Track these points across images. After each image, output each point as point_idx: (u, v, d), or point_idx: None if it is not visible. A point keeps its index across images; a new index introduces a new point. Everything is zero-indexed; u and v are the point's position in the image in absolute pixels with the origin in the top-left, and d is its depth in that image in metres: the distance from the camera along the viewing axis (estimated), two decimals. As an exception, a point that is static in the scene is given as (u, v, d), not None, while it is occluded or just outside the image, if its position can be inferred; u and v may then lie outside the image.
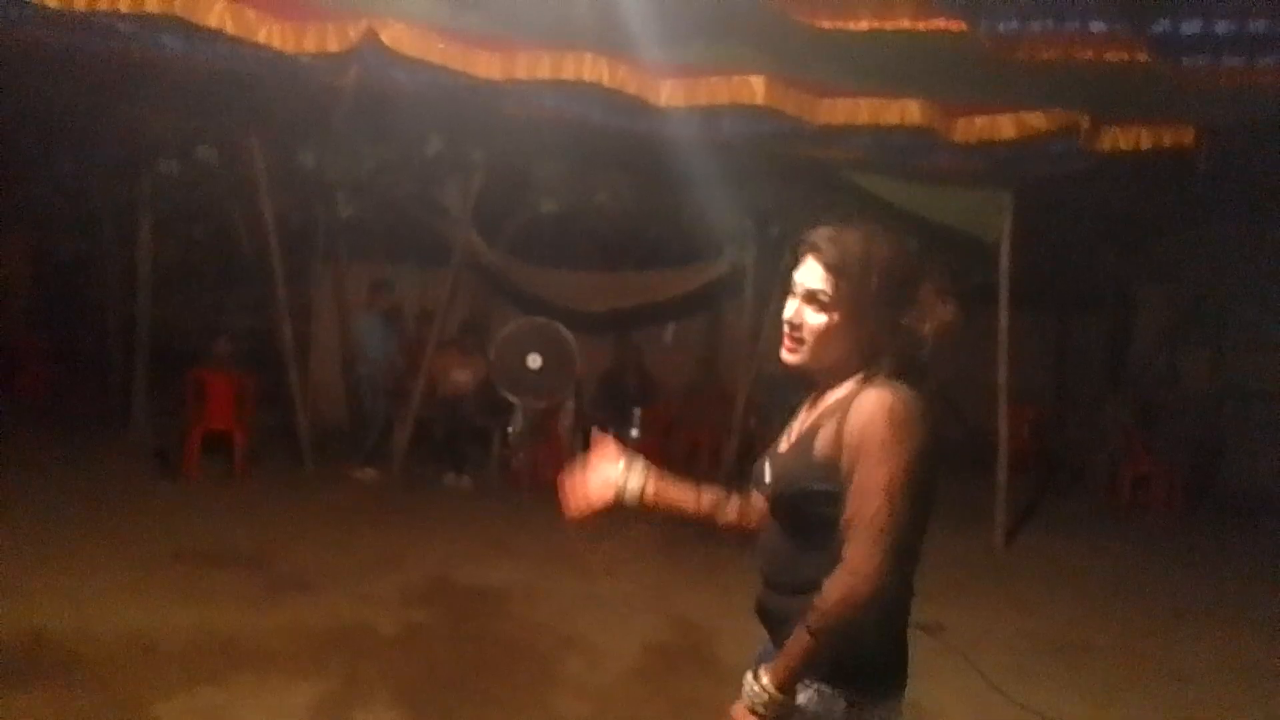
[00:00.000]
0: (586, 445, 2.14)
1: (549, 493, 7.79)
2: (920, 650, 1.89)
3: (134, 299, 8.55)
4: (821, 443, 1.78)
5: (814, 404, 1.92)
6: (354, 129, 7.26)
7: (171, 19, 4.34)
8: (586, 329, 8.84)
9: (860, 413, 1.72)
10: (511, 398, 8.10)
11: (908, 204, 6.82)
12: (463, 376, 8.35)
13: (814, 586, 1.71)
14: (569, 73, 5.01)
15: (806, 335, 1.83)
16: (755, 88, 5.09)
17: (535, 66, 5.01)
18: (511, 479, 8.14)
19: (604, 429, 2.26)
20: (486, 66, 4.97)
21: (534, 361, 8.13)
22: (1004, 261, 7.05)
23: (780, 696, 1.72)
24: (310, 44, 4.70)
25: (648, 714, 4.01)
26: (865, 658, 1.76)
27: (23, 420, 8.48)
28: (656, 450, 8.30)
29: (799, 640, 1.70)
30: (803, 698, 1.76)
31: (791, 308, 1.85)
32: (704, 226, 8.41)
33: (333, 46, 4.72)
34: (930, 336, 1.79)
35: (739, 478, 2.09)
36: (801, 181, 7.41)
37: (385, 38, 4.72)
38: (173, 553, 5.42)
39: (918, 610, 1.84)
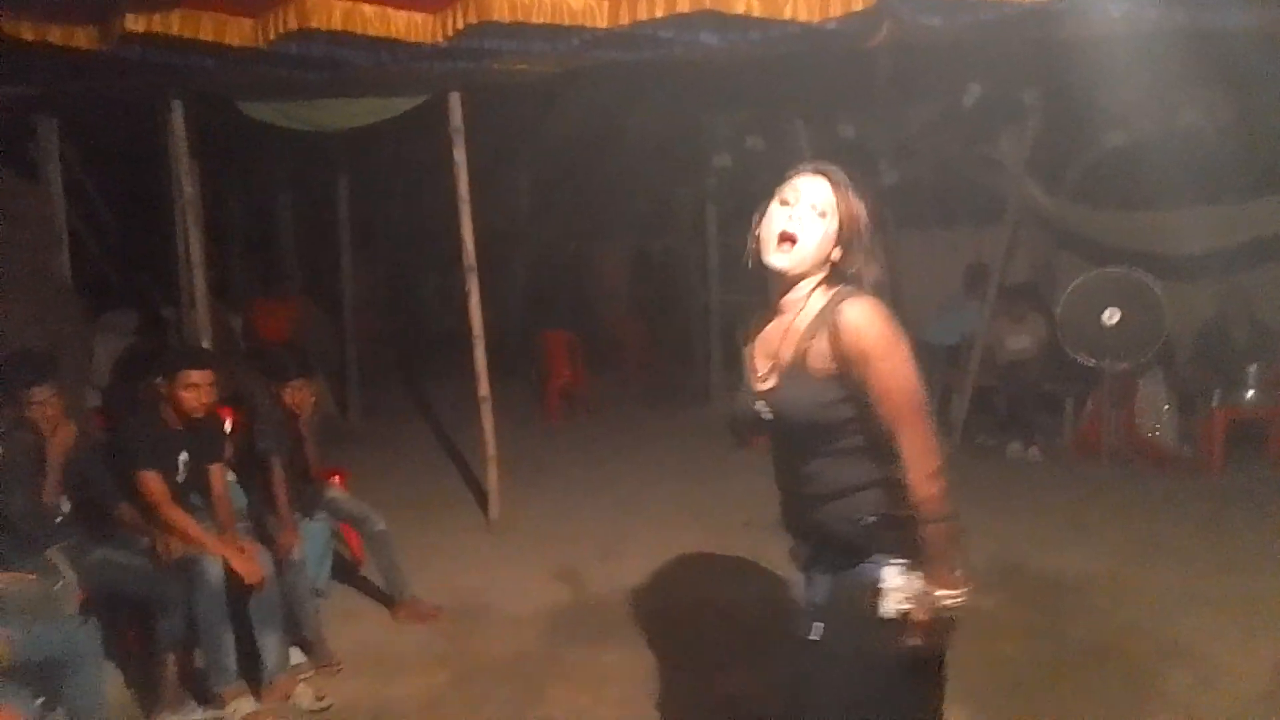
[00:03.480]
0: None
1: (1132, 467, 6.74)
2: None
3: (707, 286, 9.40)
4: (815, 359, 1.97)
5: (779, 331, 2.08)
6: (892, 91, 7.03)
7: (704, 14, 4.51)
8: (1176, 276, 7.52)
9: (854, 321, 1.92)
10: (1084, 359, 7.23)
11: None
12: (1019, 342, 7.68)
13: (855, 488, 1.99)
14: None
15: (804, 241, 2.00)
16: None
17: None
18: (1088, 450, 7.25)
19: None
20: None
21: (1111, 317, 7.15)
22: None
23: (963, 589, 1.92)
24: (835, 8, 4.56)
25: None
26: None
27: (626, 398, 9.85)
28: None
29: (934, 536, 1.90)
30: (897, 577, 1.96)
31: (786, 215, 2.02)
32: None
33: (858, 5, 4.53)
34: (882, 265, 2.05)
35: None
36: None
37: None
38: (744, 520, 5.72)
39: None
